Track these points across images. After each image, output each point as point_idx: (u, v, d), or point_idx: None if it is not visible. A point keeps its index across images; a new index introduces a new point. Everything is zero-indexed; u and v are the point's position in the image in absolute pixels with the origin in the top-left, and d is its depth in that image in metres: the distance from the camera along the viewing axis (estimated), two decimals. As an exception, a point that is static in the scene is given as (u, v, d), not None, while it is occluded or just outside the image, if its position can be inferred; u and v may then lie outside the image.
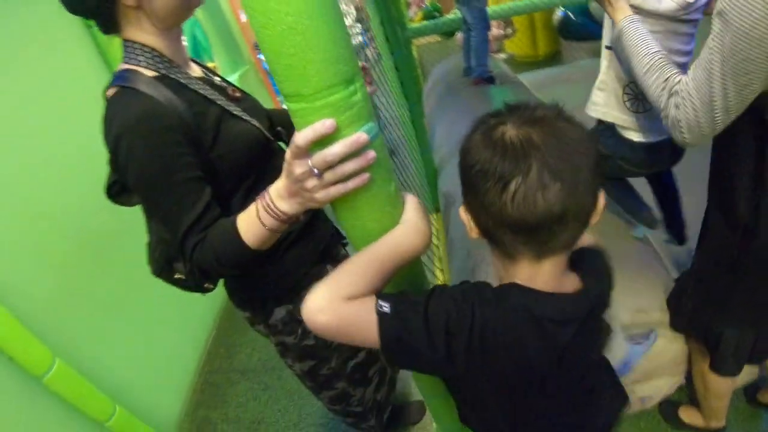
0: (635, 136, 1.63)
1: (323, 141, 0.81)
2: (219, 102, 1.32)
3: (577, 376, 1.01)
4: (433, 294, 0.88)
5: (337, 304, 0.81)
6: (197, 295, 1.53)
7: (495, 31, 6.65)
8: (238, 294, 1.62)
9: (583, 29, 5.53)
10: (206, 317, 3.87)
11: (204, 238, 1.19)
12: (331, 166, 0.83)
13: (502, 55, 7.25)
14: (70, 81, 2.93)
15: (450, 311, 0.84)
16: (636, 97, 1.59)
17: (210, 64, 4.05)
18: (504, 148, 0.80)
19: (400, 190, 0.97)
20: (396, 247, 0.90)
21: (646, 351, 1.86)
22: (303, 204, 0.98)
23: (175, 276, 1.44)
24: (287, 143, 1.17)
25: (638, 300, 1.98)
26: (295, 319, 1.60)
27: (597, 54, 5.92)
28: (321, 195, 0.89)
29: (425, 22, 4.11)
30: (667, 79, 1.18)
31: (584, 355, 1.00)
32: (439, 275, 2.92)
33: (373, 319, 0.82)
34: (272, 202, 1.03)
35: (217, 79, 1.45)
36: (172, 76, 1.27)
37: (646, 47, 1.27)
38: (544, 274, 0.90)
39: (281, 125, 1.59)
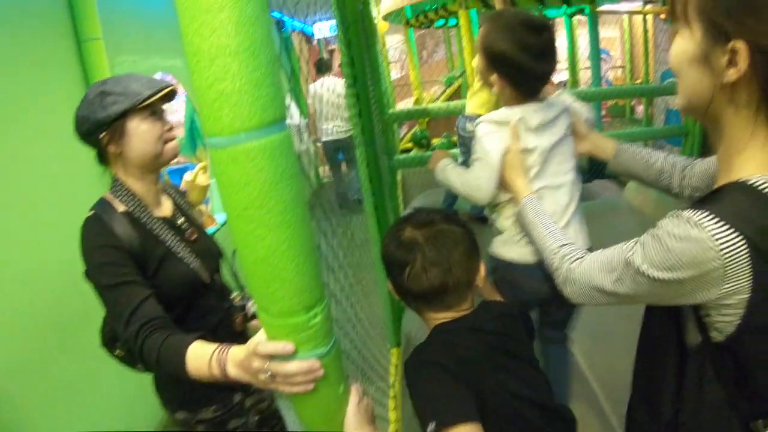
0: (530, 258, 1.68)
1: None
2: (168, 243, 1.58)
3: (524, 356, 1.30)
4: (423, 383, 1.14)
5: None
6: (149, 392, 1.74)
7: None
8: (154, 383, 1.76)
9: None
10: (155, 415, 3.75)
11: (153, 329, 1.35)
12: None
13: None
14: (66, 183, 2.99)
15: (435, 372, 1.13)
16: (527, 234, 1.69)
17: (203, 161, 4.18)
18: (401, 244, 1.22)
19: (349, 387, 1.07)
20: None
21: None
22: (249, 380, 1.09)
23: (115, 352, 1.67)
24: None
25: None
26: (190, 424, 1.75)
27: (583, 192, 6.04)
28: (270, 387, 1.01)
29: (412, 154, 4.27)
30: (565, 245, 1.29)
31: (515, 343, 1.29)
32: (392, 416, 2.89)
33: None
34: (225, 361, 1.15)
35: (181, 220, 1.70)
36: (137, 215, 1.55)
37: (545, 219, 1.42)
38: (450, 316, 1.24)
39: None
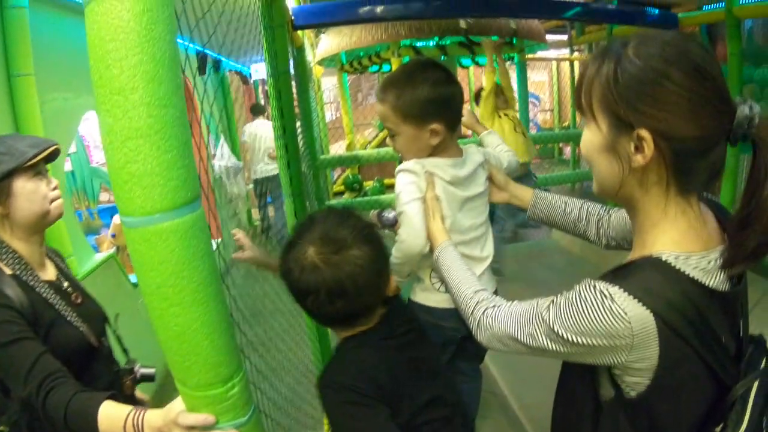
0: (450, 304, 1.63)
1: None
2: (57, 306, 1.53)
3: (431, 358, 1.36)
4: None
5: None
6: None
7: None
8: None
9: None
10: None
11: (56, 384, 1.30)
12: None
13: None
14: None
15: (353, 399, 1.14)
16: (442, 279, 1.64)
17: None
18: (303, 270, 1.12)
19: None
20: None
21: None
22: None
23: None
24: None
25: None
26: None
27: (502, 238, 6.11)
28: None
29: (344, 199, 4.28)
30: (479, 291, 1.28)
31: (421, 346, 1.34)
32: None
33: None
34: (142, 426, 1.14)
35: (66, 284, 1.65)
36: (24, 278, 1.51)
37: (460, 265, 1.40)
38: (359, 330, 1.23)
39: None
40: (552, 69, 11.37)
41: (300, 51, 3.87)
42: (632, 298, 0.88)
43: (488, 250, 1.73)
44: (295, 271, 1.13)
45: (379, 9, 2.06)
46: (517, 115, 4.56)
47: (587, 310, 0.92)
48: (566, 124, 10.87)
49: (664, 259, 0.91)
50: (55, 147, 1.55)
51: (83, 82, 3.21)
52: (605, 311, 0.89)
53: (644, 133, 0.87)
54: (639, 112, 0.88)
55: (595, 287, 0.93)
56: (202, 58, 6.40)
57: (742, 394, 0.92)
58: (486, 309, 1.21)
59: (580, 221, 1.53)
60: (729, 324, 0.95)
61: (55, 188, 1.59)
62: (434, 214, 1.55)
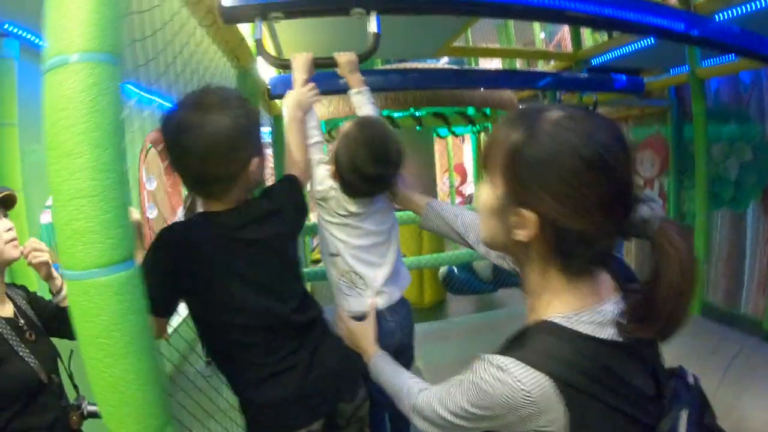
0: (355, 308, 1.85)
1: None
2: (11, 342, 1.61)
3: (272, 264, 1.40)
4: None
5: None
6: None
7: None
8: None
9: (466, 284, 5.75)
10: None
11: None
12: None
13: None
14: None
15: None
16: (350, 285, 1.85)
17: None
18: (178, 125, 1.23)
19: None
20: None
21: None
22: None
23: None
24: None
25: None
26: None
27: (480, 305, 5.96)
28: None
29: (322, 266, 4.22)
30: (410, 380, 1.32)
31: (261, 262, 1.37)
32: None
33: None
34: None
35: (22, 321, 1.72)
36: None
37: (393, 368, 1.46)
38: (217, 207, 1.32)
39: None
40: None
41: (278, 119, 3.96)
42: (526, 366, 0.87)
43: (390, 257, 1.88)
44: (171, 124, 1.25)
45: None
46: None
47: (486, 386, 0.92)
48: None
49: (555, 321, 0.91)
50: (8, 193, 1.65)
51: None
52: (501, 385, 0.89)
53: (528, 215, 0.88)
54: (532, 193, 0.87)
55: (490, 362, 0.93)
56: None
57: (669, 429, 0.91)
58: (420, 392, 1.22)
59: (466, 235, 1.60)
60: (640, 366, 0.94)
61: (9, 229, 1.66)
62: (368, 331, 1.67)
